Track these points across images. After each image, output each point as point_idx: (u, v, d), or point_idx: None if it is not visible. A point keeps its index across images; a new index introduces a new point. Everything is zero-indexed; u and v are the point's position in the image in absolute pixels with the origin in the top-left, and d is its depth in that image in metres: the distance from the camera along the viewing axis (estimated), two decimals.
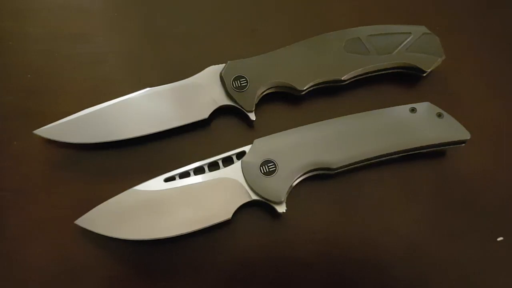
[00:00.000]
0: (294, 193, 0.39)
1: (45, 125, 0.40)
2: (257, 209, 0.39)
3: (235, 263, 0.38)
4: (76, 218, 0.37)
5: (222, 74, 0.42)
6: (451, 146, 0.41)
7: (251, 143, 0.39)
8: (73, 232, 0.38)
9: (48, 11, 0.50)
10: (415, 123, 0.40)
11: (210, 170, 0.39)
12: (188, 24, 0.50)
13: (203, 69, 0.43)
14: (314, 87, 0.44)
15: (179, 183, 0.38)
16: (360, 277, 0.38)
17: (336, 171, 0.39)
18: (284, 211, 0.38)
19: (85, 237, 0.38)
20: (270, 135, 0.40)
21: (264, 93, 0.43)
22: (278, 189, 0.38)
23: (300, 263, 0.38)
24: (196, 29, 0.49)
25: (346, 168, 0.40)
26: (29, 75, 0.46)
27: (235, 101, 0.42)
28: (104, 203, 0.37)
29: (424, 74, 0.44)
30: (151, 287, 0.37)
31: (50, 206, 0.40)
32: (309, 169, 0.39)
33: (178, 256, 0.38)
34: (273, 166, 0.38)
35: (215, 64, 0.43)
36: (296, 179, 0.39)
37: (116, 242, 0.37)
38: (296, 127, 0.40)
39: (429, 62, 0.44)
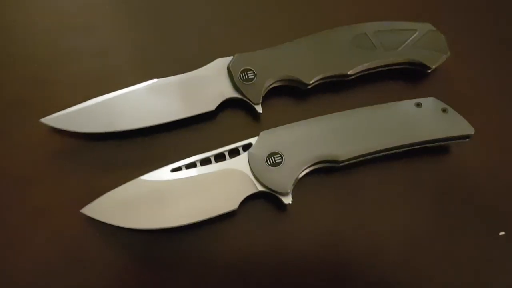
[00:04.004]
0: (300, 185, 0.39)
1: (51, 114, 0.40)
2: (263, 200, 0.40)
3: (241, 253, 0.38)
4: (82, 207, 0.37)
5: (230, 67, 0.43)
6: (455, 141, 0.41)
7: (257, 135, 0.40)
8: (79, 221, 0.38)
9: (55, 3, 0.50)
10: (420, 117, 0.40)
11: (217, 161, 0.39)
12: (196, 17, 0.50)
13: (211, 61, 0.43)
14: (321, 81, 0.44)
15: (185, 173, 0.38)
16: (364, 269, 0.38)
17: (342, 164, 0.39)
18: (290, 202, 0.38)
19: (91, 226, 0.38)
20: (277, 127, 0.40)
21: (271, 86, 0.44)
22: (284, 180, 0.38)
23: (305, 255, 0.38)
24: (204, 21, 0.50)
25: (352, 161, 0.40)
26: (36, 65, 0.46)
27: (242, 94, 0.42)
28: (110, 192, 0.37)
29: (429, 71, 0.45)
30: (157, 276, 0.37)
31: (56, 195, 0.40)
32: (315, 161, 0.39)
33: (183, 246, 0.38)
34: (280, 157, 0.38)
35: (223, 57, 0.43)
36: (302, 171, 0.39)
37: (122, 231, 0.37)
38: (302, 120, 0.40)
39: (434, 59, 0.44)
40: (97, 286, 0.37)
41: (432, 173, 0.42)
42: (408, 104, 0.41)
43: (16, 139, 0.42)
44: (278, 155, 0.39)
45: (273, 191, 0.38)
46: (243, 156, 0.39)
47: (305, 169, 0.39)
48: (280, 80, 0.44)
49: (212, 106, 0.42)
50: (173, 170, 0.39)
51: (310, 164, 0.39)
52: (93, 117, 0.41)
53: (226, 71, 0.43)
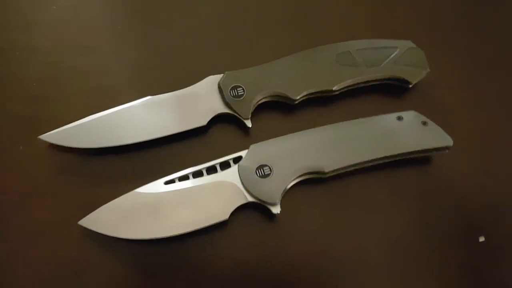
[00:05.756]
0: (288, 196, 0.41)
1: (50, 131, 0.42)
2: (253, 211, 0.41)
3: (232, 260, 0.39)
4: (79, 219, 0.38)
5: (220, 84, 0.44)
6: (435, 152, 0.43)
7: (247, 148, 0.41)
8: (76, 233, 0.39)
9: (54, 24, 0.52)
10: (402, 130, 0.42)
11: (208, 173, 0.41)
12: (188, 37, 0.52)
13: (202, 79, 0.45)
14: (307, 97, 0.46)
15: (178, 185, 0.40)
16: (351, 275, 0.39)
17: (328, 175, 0.41)
18: (279, 212, 0.39)
19: (88, 237, 0.39)
20: (266, 141, 0.42)
21: (260, 102, 0.45)
22: (273, 191, 0.39)
23: (294, 263, 0.40)
24: (196, 41, 0.51)
25: (337, 173, 0.41)
26: (34, 84, 0.48)
27: (232, 109, 0.44)
28: (107, 204, 0.39)
29: (410, 86, 0.46)
30: (151, 285, 0.39)
31: (54, 208, 0.41)
32: (302, 172, 0.41)
33: (177, 255, 0.39)
34: (268, 169, 0.40)
35: (213, 74, 0.45)
36: (290, 182, 0.40)
37: (118, 242, 0.38)
38: (290, 133, 0.42)
39: (415, 74, 0.46)
40: None
41: (414, 183, 0.43)
42: (390, 118, 0.43)
43: (17, 155, 0.44)
44: (267, 167, 0.40)
45: (263, 201, 0.39)
46: (234, 168, 0.40)
47: (293, 180, 0.41)
48: (268, 96, 0.45)
49: (203, 121, 0.43)
50: (167, 183, 0.40)
51: (298, 175, 0.41)
52: (90, 133, 0.42)
53: (217, 88, 0.44)
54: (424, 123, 0.42)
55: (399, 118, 0.43)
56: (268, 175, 0.40)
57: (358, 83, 0.46)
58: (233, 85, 0.44)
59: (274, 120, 0.46)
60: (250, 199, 0.39)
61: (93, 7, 0.54)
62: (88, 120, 0.42)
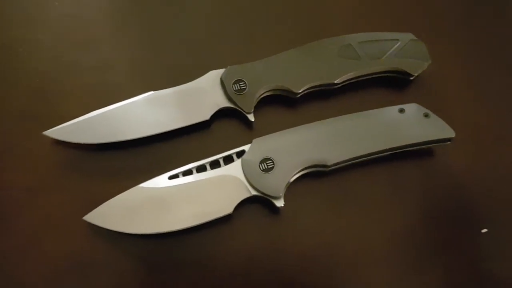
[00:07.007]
0: (291, 189, 0.41)
1: (54, 126, 0.42)
2: (257, 204, 0.41)
3: (237, 254, 0.40)
4: (84, 215, 0.38)
5: (223, 78, 0.44)
6: (437, 144, 0.43)
7: (250, 142, 0.41)
8: (82, 228, 0.40)
9: (56, 20, 0.52)
10: (404, 122, 0.42)
11: (212, 168, 0.41)
12: (190, 32, 0.52)
13: (205, 73, 0.45)
14: (309, 90, 0.46)
15: (182, 180, 0.40)
16: (354, 267, 0.40)
17: (330, 168, 0.41)
18: (282, 205, 0.40)
19: (93, 233, 0.40)
20: (268, 135, 0.42)
21: (262, 96, 0.45)
22: (276, 184, 0.40)
23: (298, 255, 0.40)
24: (197, 36, 0.51)
25: (340, 165, 0.42)
26: (37, 80, 0.48)
27: (235, 103, 0.44)
28: (111, 199, 0.39)
29: (412, 78, 0.46)
30: (157, 279, 0.39)
31: (60, 203, 0.41)
32: (305, 166, 0.41)
33: (182, 249, 0.40)
34: (272, 163, 0.40)
35: (216, 69, 0.45)
36: (293, 176, 0.41)
37: (123, 237, 0.39)
38: (293, 127, 0.42)
39: (416, 67, 0.46)
40: None
41: (416, 175, 0.44)
42: (392, 110, 0.43)
43: (22, 151, 0.44)
44: (270, 161, 0.40)
45: (266, 195, 0.40)
46: (237, 162, 0.41)
47: (296, 174, 0.41)
48: (270, 90, 0.45)
49: (206, 116, 0.44)
50: (171, 178, 0.40)
51: (301, 168, 0.41)
52: (93, 128, 0.42)
53: (219, 82, 0.45)
54: (426, 115, 0.42)
55: (401, 111, 0.43)
56: (272, 168, 0.40)
57: (360, 76, 0.46)
58: (235, 79, 0.44)
59: (276, 114, 0.46)
60: (254, 192, 0.40)
61: (95, 2, 0.54)
62: (91, 115, 0.43)
